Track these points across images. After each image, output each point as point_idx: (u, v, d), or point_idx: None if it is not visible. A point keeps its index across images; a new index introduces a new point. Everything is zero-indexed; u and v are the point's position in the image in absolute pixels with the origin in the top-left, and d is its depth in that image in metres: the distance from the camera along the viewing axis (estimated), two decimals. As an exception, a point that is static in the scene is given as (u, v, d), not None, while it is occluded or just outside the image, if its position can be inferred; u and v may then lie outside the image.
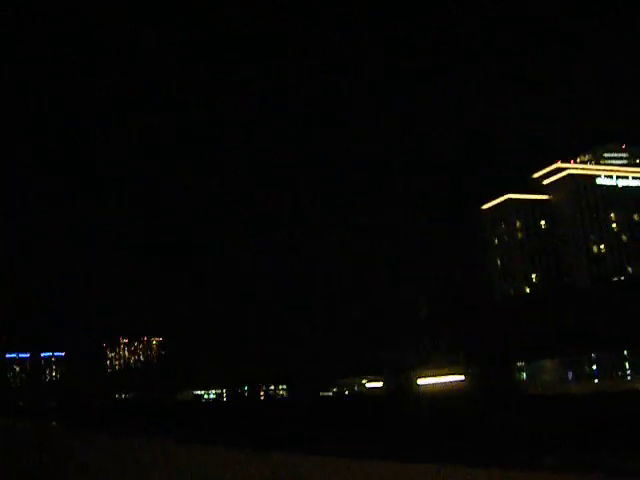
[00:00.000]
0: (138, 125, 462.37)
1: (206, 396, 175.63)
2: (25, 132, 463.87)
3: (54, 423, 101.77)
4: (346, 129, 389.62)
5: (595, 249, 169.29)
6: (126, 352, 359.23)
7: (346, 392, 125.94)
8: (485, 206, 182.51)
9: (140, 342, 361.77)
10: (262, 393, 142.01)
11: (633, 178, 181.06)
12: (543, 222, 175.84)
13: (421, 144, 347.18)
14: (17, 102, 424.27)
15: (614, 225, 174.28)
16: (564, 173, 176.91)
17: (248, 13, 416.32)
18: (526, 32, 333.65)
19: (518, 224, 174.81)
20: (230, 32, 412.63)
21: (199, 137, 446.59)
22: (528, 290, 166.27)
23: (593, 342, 73.29)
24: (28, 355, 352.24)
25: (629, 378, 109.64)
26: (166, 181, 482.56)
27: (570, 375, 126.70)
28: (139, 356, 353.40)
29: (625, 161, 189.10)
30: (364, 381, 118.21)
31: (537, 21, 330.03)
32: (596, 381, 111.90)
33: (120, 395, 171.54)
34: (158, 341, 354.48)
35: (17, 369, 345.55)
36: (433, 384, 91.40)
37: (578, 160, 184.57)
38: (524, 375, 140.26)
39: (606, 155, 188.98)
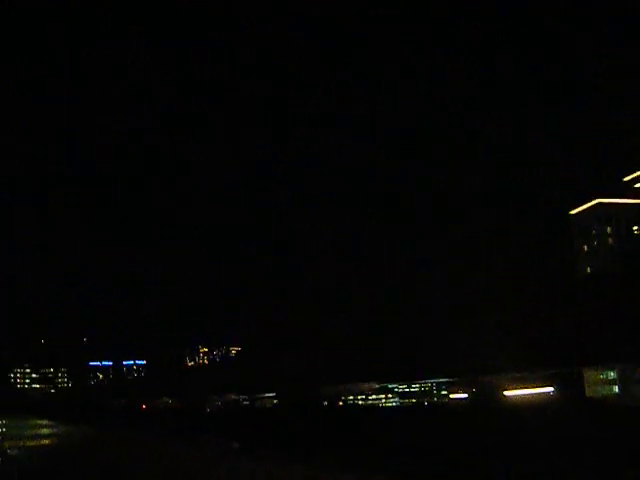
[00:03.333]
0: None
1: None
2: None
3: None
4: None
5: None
6: (205, 361, 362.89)
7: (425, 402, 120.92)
8: (573, 211, 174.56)
9: (220, 351, 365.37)
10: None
11: None
12: (636, 227, 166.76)
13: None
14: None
15: None
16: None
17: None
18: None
19: (609, 230, 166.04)
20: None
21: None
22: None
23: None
24: (111, 363, 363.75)
25: None
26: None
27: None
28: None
29: None
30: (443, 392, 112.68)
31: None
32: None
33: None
34: (237, 350, 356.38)
35: (100, 376, 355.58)
36: (521, 395, 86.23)
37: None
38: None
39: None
